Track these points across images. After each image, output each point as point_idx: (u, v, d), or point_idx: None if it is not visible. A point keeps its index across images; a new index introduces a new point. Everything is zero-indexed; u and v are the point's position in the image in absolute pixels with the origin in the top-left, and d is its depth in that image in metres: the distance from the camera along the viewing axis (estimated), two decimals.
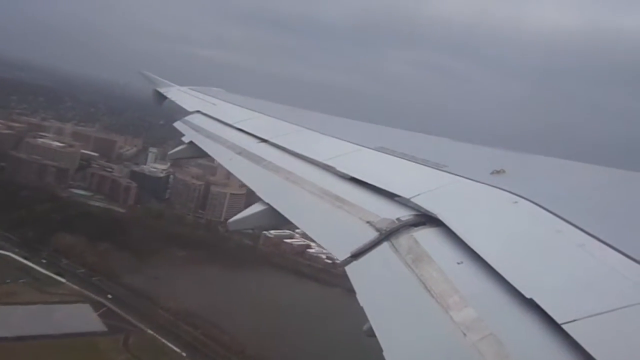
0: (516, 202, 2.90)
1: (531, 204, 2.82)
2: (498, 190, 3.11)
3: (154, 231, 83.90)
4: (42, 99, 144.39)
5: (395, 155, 4.34)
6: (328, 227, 3.49)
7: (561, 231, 2.45)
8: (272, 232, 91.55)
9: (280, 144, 5.39)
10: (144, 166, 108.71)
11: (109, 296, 68.24)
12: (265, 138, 5.74)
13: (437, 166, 3.82)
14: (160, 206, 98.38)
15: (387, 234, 2.92)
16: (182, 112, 8.63)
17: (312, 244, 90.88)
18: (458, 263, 2.48)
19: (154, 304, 67.23)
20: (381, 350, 2.13)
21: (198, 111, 8.17)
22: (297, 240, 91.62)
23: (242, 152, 5.62)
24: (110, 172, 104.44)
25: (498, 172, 3.44)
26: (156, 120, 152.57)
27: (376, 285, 2.68)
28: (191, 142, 6.99)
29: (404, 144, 4.67)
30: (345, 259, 2.85)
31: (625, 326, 1.82)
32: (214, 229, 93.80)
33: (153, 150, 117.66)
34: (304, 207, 3.92)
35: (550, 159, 4.07)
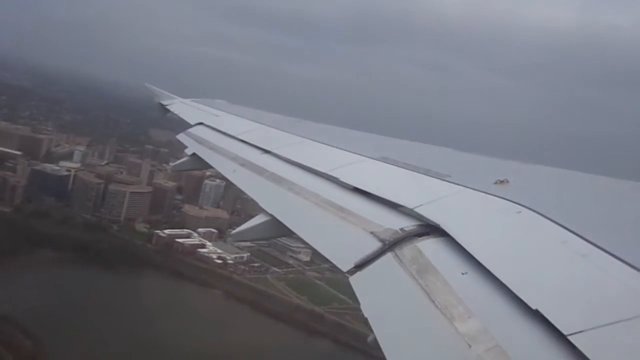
0: (520, 212, 2.89)
1: (535, 214, 2.81)
2: (501, 200, 3.11)
3: (32, 231, 79.42)
4: (4, 97, 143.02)
5: (398, 166, 4.34)
6: (331, 237, 3.49)
7: (566, 241, 2.44)
8: (166, 231, 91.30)
9: (283, 155, 5.40)
10: (47, 164, 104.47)
11: None
12: (268, 149, 5.75)
13: (440, 176, 3.82)
14: (57, 205, 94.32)
15: (391, 245, 2.92)
16: (184, 124, 8.67)
17: (208, 243, 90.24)
18: (462, 273, 2.47)
19: None
20: None
21: (201, 123, 8.20)
22: (191, 240, 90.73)
23: (245, 163, 5.63)
24: (11, 171, 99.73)
25: (501, 182, 3.44)
26: (124, 119, 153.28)
27: (380, 296, 2.67)
28: (194, 154, 7.02)
29: (407, 154, 4.68)
30: (349, 270, 2.85)
31: (631, 337, 1.81)
32: (105, 229, 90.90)
33: (80, 148, 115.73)
34: (307, 218, 3.92)
35: (554, 169, 4.07)
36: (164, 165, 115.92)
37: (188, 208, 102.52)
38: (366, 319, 2.44)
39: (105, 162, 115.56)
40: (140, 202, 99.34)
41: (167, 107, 10.49)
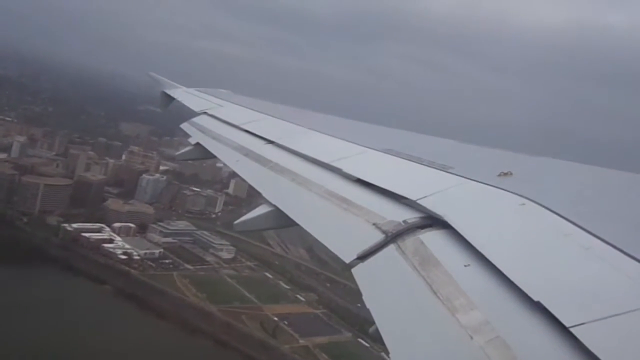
0: (523, 204, 2.89)
1: (538, 206, 2.81)
2: (505, 192, 3.10)
3: None
4: None
5: (401, 157, 4.33)
6: (334, 228, 3.49)
7: (568, 234, 2.44)
8: (74, 225, 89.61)
9: (286, 145, 5.40)
10: None
11: None
12: (272, 139, 5.74)
13: (443, 168, 3.82)
14: None
15: (394, 236, 2.92)
16: (189, 113, 8.66)
17: (117, 238, 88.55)
18: (465, 265, 2.47)
19: None
20: (388, 352, 2.13)
21: (205, 112, 8.19)
22: (100, 235, 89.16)
23: (248, 153, 5.63)
24: None
25: (505, 174, 3.43)
26: (99, 111, 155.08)
27: (382, 287, 2.68)
28: (198, 144, 7.01)
29: (411, 146, 4.66)
30: (352, 261, 2.85)
31: (633, 330, 1.81)
32: (11, 221, 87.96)
33: (20, 139, 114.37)
34: (310, 209, 3.92)
35: (558, 161, 4.06)
36: (106, 158, 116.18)
37: (111, 202, 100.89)
38: (368, 310, 2.45)
39: (54, 153, 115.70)
40: (58, 195, 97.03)
41: (172, 95, 10.47)
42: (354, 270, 2.78)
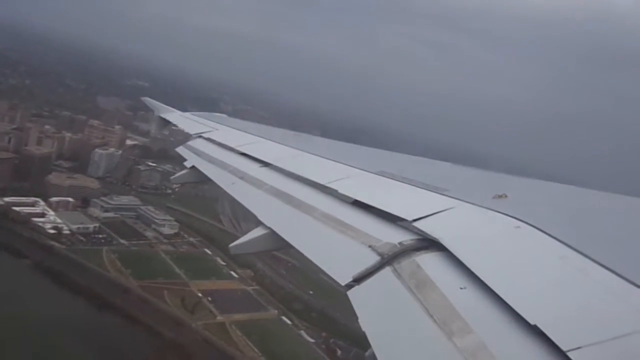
0: (518, 226, 2.90)
1: (533, 229, 2.81)
2: (500, 214, 3.11)
3: None
4: None
5: (396, 180, 4.35)
6: (330, 251, 3.48)
7: (564, 256, 2.45)
8: (5, 198, 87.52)
9: (282, 167, 5.42)
10: None
11: None
12: (267, 162, 5.77)
13: (438, 190, 3.83)
14: None
15: (389, 259, 2.91)
16: (185, 137, 8.69)
17: (50, 212, 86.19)
18: (461, 288, 2.46)
19: None
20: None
21: (200, 136, 8.22)
22: (32, 209, 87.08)
23: (244, 176, 5.64)
24: None
25: (500, 196, 3.45)
26: (80, 85, 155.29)
27: (378, 310, 2.66)
28: (193, 167, 7.03)
29: (406, 168, 4.69)
30: (347, 284, 2.84)
31: (629, 353, 1.80)
32: None
33: None
34: (306, 231, 3.91)
35: (553, 184, 4.09)
36: (63, 132, 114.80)
37: (53, 176, 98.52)
38: (364, 333, 2.43)
39: (14, 127, 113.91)
40: None
41: (168, 119, 10.52)
42: (349, 293, 2.77)
